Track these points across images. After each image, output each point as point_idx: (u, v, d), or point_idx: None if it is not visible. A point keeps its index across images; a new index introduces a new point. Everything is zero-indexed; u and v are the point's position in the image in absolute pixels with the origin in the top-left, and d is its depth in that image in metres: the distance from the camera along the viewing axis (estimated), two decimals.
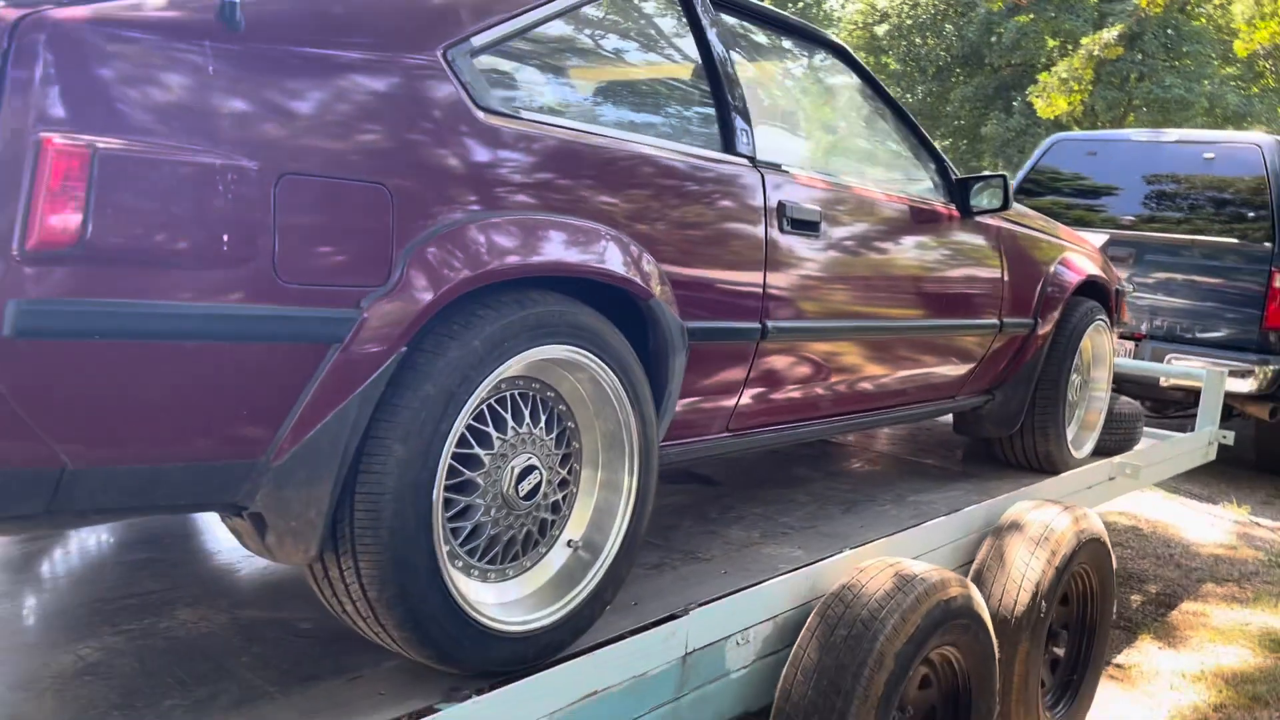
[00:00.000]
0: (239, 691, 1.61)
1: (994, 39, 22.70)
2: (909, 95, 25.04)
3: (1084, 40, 13.00)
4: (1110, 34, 12.46)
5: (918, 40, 24.58)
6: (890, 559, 2.24)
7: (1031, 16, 20.63)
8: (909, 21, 24.52)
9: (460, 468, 1.64)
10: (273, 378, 1.39)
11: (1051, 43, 21.66)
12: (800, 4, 29.09)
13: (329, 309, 1.42)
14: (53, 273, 1.18)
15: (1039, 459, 3.42)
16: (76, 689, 1.59)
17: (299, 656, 1.76)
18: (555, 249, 1.69)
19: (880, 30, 25.36)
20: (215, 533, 2.36)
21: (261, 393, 1.39)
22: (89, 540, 2.27)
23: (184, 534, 2.36)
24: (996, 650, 2.34)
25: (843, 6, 30.17)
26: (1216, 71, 21.73)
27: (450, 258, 1.53)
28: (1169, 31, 21.10)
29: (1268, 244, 5.82)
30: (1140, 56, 20.86)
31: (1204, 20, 21.37)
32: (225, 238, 1.30)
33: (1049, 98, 12.36)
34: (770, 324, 2.22)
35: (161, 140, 1.26)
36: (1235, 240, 5.96)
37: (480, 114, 1.63)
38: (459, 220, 1.56)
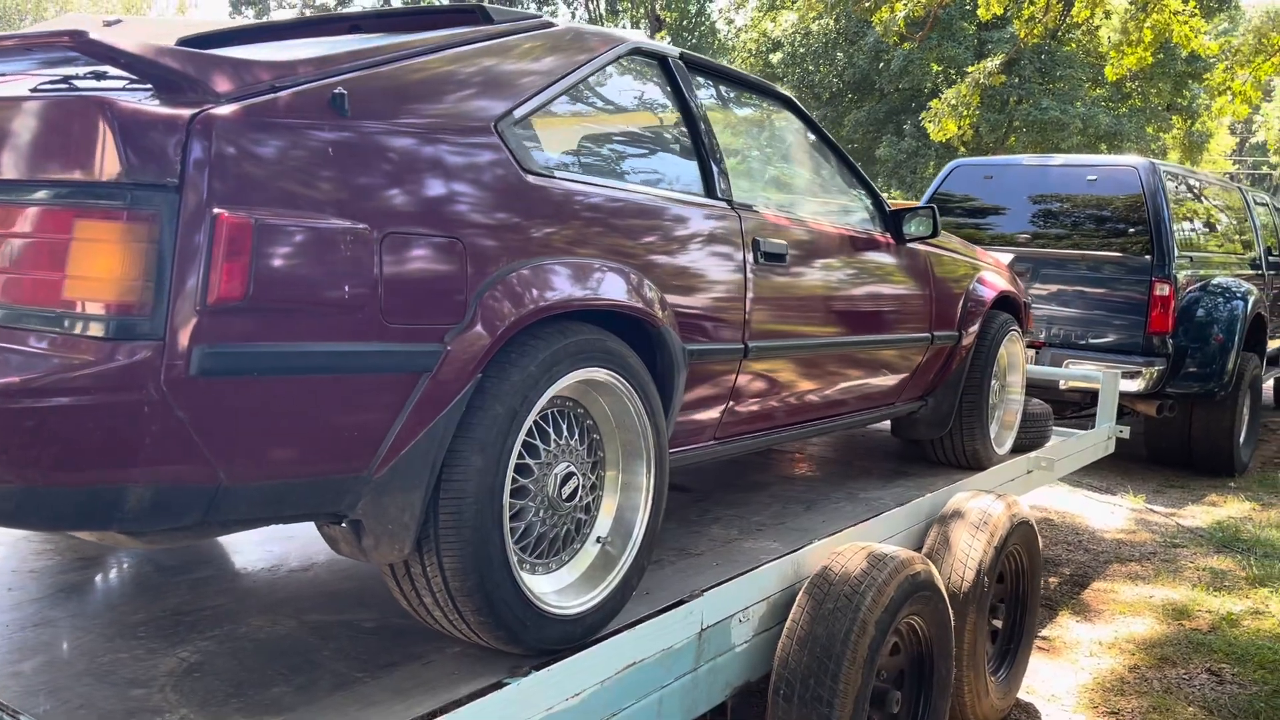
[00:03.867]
0: (333, 679, 1.86)
1: (882, 66, 23.79)
2: None
3: (970, 69, 13.86)
4: (993, 63, 13.31)
5: (811, 67, 25.55)
6: (861, 543, 2.59)
7: (916, 44, 21.72)
8: (802, 50, 25.49)
9: (516, 476, 1.92)
10: (378, 403, 1.66)
11: (936, 68, 22.82)
12: (696, 35, 29.90)
13: (421, 344, 1.69)
14: (226, 323, 1.44)
15: (966, 457, 3.83)
16: (191, 683, 1.81)
17: (373, 649, 2.00)
18: (588, 287, 1.99)
19: (775, 58, 26.30)
20: (248, 553, 2.58)
21: (370, 416, 1.65)
22: (142, 564, 2.46)
23: (222, 554, 2.57)
24: (953, 619, 2.70)
25: (736, 35, 31.14)
26: (1088, 94, 23.17)
27: (510, 298, 1.82)
28: (1043, 56, 22.48)
29: (1147, 256, 6.44)
30: (1018, 80, 22.15)
31: (1074, 46, 22.78)
32: (347, 288, 1.57)
33: (941, 123, 13.13)
34: (751, 344, 2.55)
35: (299, 210, 1.52)
36: (1118, 254, 6.57)
37: (526, 175, 1.93)
38: (515, 266, 1.85)
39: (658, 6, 30.19)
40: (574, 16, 31.77)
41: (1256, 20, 14.69)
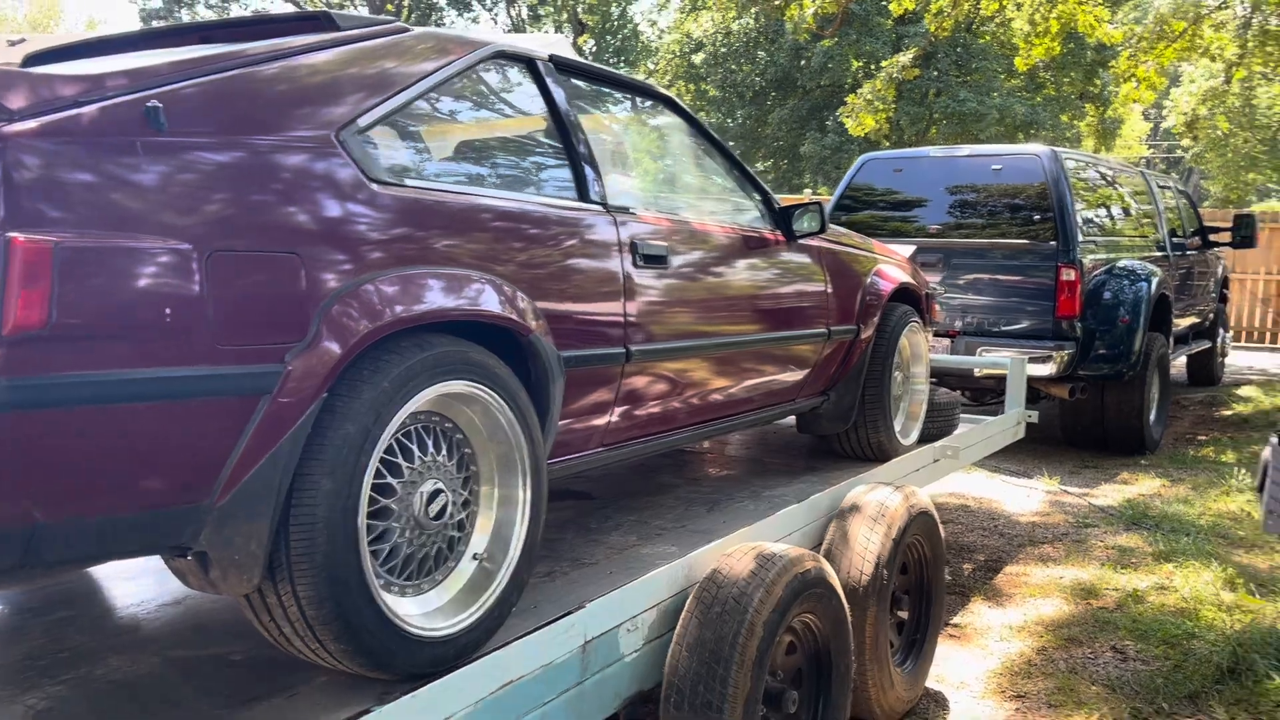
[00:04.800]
0: (191, 718, 1.78)
1: (803, 63, 24.01)
2: (729, 120, 26.14)
3: (884, 64, 14.04)
4: (905, 57, 13.48)
5: (733, 67, 25.69)
6: (751, 543, 2.57)
7: (836, 40, 21.93)
8: (723, 50, 25.60)
9: (377, 496, 1.86)
10: (214, 428, 1.59)
11: (856, 64, 23.08)
12: (619, 38, 29.91)
13: (259, 365, 1.63)
14: (27, 353, 1.36)
15: (872, 449, 3.84)
16: None
17: (237, 683, 1.93)
18: (445, 297, 1.94)
19: (697, 59, 26.40)
20: (119, 588, 2.47)
21: (205, 442, 1.58)
22: (1, 607, 2.35)
23: (91, 591, 2.46)
24: (849, 615, 2.69)
25: (659, 37, 31.23)
26: (1004, 84, 23.62)
27: (357, 312, 1.76)
28: (958, 49, 22.88)
29: (1053, 243, 6.55)
30: (936, 74, 22.52)
31: (988, 38, 23.21)
32: (168, 311, 1.50)
33: (858, 117, 13.26)
34: (633, 348, 2.52)
35: (109, 231, 1.45)
36: (1026, 241, 6.67)
37: (372, 185, 1.87)
38: (362, 279, 1.79)
39: (580, 10, 30.15)
40: (495, 23, 31.60)
41: (1164, 8, 15.10)
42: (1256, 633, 3.63)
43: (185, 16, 26.93)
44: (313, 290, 1.71)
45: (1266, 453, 3.38)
